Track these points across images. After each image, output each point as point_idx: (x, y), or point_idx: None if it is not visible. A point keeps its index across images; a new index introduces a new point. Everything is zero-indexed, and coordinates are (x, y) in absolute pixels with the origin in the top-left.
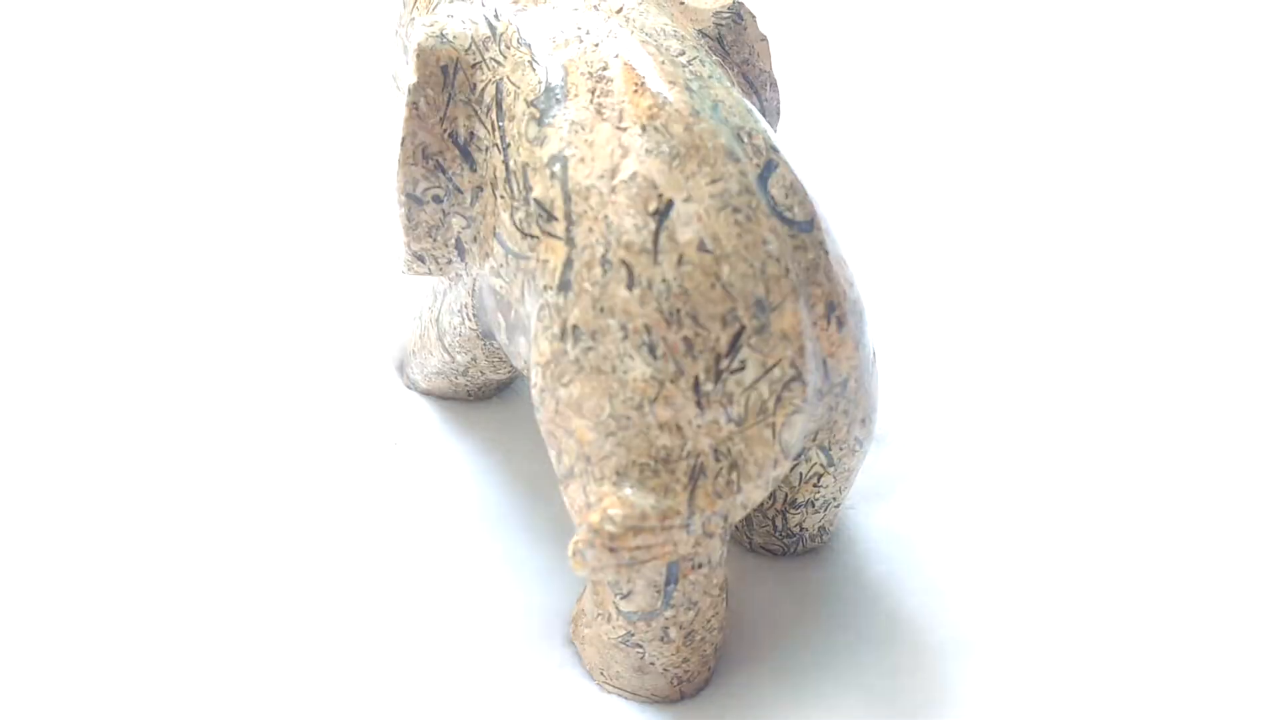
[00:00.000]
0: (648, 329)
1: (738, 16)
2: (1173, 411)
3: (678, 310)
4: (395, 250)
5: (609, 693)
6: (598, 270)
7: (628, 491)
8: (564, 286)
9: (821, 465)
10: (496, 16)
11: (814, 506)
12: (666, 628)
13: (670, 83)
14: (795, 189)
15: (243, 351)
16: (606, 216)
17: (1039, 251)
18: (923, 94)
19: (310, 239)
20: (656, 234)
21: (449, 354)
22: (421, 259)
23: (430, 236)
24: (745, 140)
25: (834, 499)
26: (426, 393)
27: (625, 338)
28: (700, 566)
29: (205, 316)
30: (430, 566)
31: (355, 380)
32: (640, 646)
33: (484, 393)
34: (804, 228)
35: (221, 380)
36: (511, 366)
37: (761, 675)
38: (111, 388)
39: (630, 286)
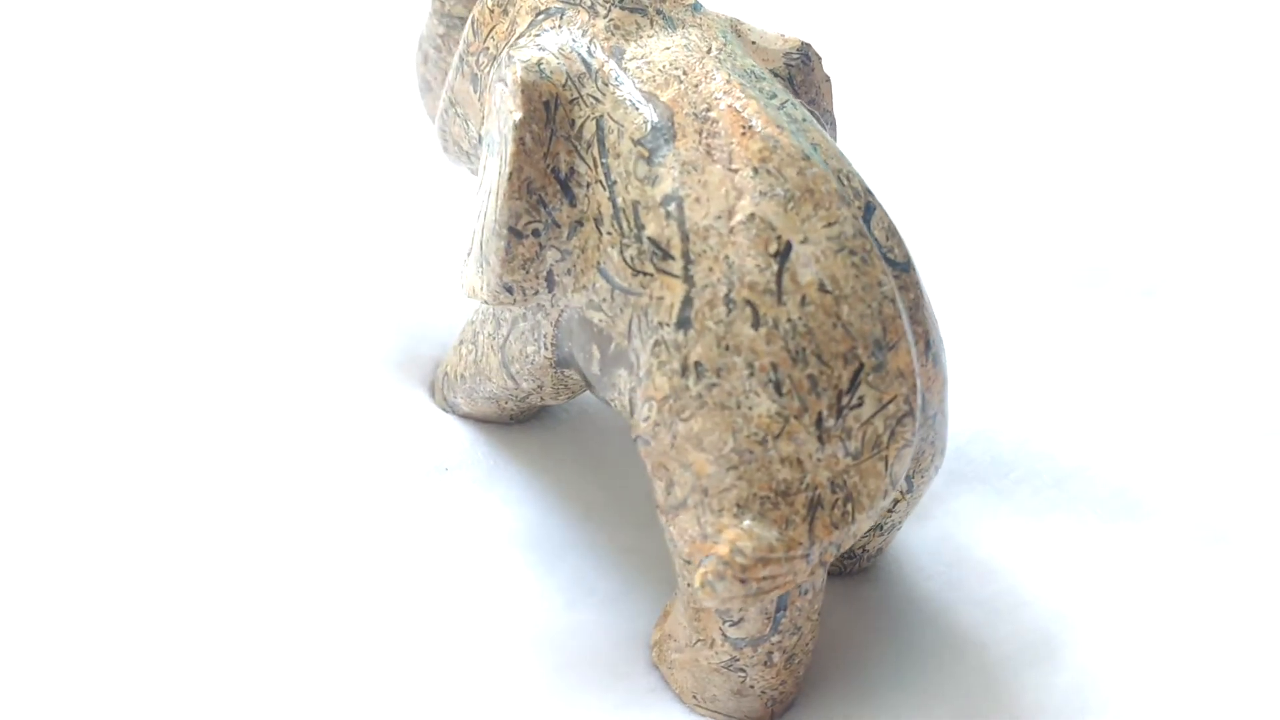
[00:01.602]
0: (774, 367)
1: (806, 58)
2: (1216, 416)
3: (803, 349)
4: (469, 278)
5: (702, 715)
6: (721, 309)
7: (747, 523)
8: (683, 324)
9: (901, 493)
10: (590, 53)
11: (882, 530)
12: (771, 652)
13: (775, 126)
14: (893, 231)
15: (281, 377)
16: (727, 257)
17: (1067, 253)
18: (928, 104)
19: (352, 260)
20: (779, 275)
21: (514, 380)
22: (510, 290)
23: (524, 269)
24: (845, 183)
25: (900, 523)
26: (466, 416)
27: (751, 375)
28: (806, 593)
29: (248, 339)
30: (496, 596)
31: (393, 403)
32: (743, 671)
33: (526, 416)
34: (904, 268)
35: (262, 407)
36: (571, 394)
37: (837, 690)
38: (138, 413)
39: (756, 325)
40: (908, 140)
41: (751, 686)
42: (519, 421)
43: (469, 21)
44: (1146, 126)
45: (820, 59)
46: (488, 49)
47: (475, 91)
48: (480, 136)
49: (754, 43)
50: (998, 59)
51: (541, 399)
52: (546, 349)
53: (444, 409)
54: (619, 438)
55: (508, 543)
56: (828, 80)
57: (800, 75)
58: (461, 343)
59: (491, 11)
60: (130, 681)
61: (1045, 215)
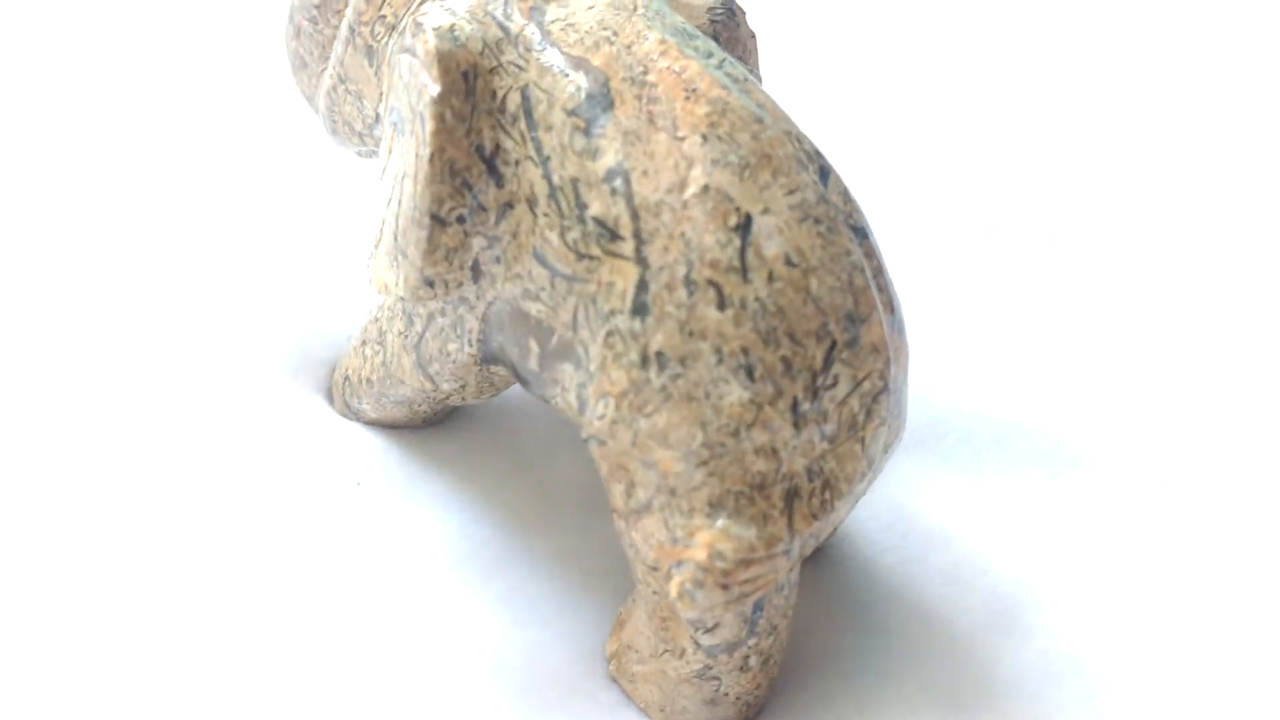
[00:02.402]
0: (745, 351)
1: (731, 13)
2: (1172, 411)
3: (774, 329)
4: (380, 273)
5: None
6: (682, 291)
7: (721, 523)
8: (640, 310)
9: None
10: (507, 15)
11: None
12: (747, 656)
13: (720, 87)
14: (849, 195)
15: (163, 387)
16: (684, 233)
17: (1044, 249)
18: (887, 85)
19: (232, 257)
20: (742, 250)
21: (432, 381)
22: (431, 284)
23: (448, 260)
24: (799, 145)
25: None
26: (373, 422)
27: (720, 361)
28: (783, 589)
29: (122, 347)
30: (435, 620)
31: (290, 412)
32: (717, 679)
33: (440, 418)
34: (865, 234)
35: (145, 420)
36: (495, 391)
37: (810, 682)
38: (50, 424)
39: (722, 307)
40: (808, 96)
41: (726, 694)
42: (431, 424)
43: None
44: (1041, 74)
45: (745, 13)
46: (384, 17)
47: (371, 66)
48: (378, 115)
49: None
50: (891, 14)
51: (462, 399)
52: (471, 345)
53: (346, 416)
54: (544, 434)
55: (438, 560)
56: (753, 37)
57: (726, 32)
58: (365, 343)
59: None
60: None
61: (946, 168)
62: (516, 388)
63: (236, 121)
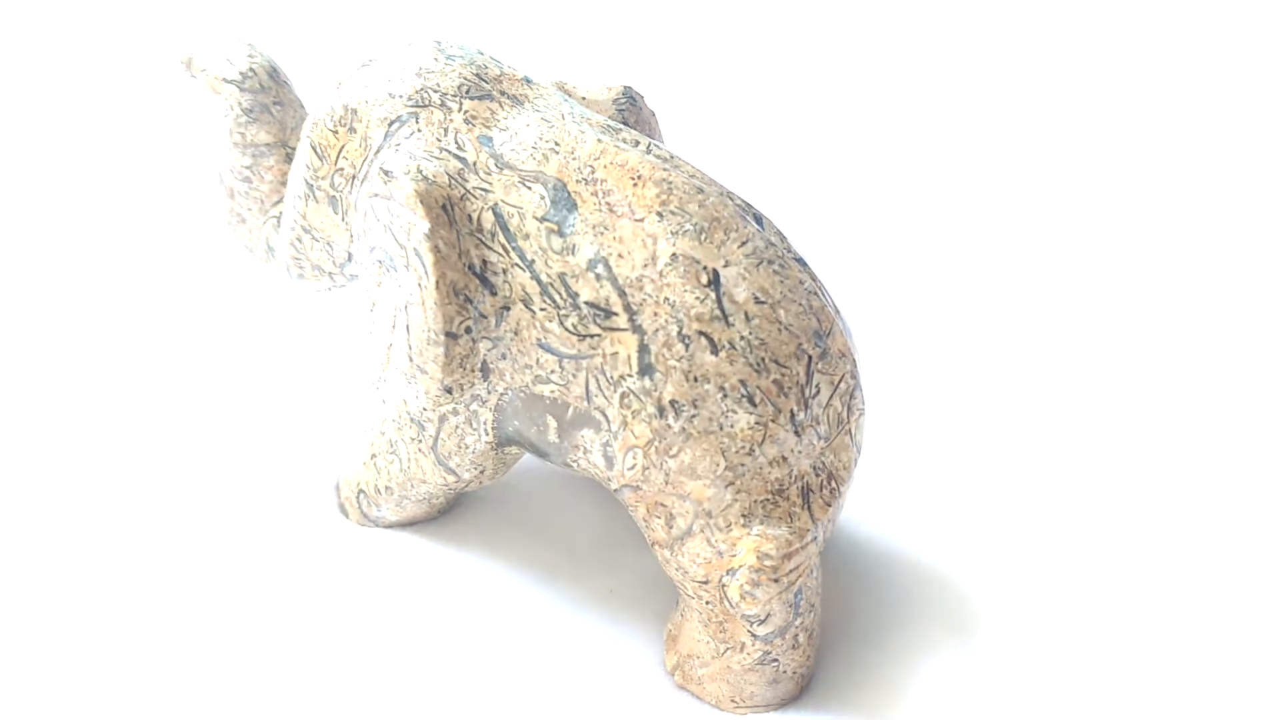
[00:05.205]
0: (743, 383)
1: (632, 100)
2: (1146, 408)
3: (762, 359)
4: (398, 393)
5: (743, 715)
6: (679, 346)
7: (757, 530)
8: (646, 370)
9: None
10: (461, 147)
11: None
12: (797, 635)
13: (659, 170)
14: (782, 233)
15: (204, 538)
16: (667, 298)
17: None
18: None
19: (227, 405)
20: (719, 301)
21: (454, 474)
22: (450, 391)
23: (461, 367)
24: (733, 201)
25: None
26: (393, 525)
27: (725, 396)
28: (812, 573)
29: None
30: (510, 675)
31: (323, 538)
32: (776, 660)
33: (451, 507)
34: (804, 262)
35: (196, 577)
36: (507, 469)
37: (839, 646)
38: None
39: (715, 351)
40: (706, 153)
41: (785, 671)
42: (445, 514)
43: (308, 148)
44: (924, 81)
45: (643, 97)
46: (342, 169)
47: (336, 214)
48: (350, 255)
49: (584, 98)
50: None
51: (480, 483)
52: (488, 434)
53: (365, 525)
54: (549, 498)
55: (496, 625)
56: (654, 115)
57: (632, 116)
58: (375, 456)
59: (335, 132)
60: None
61: (836, 201)
62: (518, 468)
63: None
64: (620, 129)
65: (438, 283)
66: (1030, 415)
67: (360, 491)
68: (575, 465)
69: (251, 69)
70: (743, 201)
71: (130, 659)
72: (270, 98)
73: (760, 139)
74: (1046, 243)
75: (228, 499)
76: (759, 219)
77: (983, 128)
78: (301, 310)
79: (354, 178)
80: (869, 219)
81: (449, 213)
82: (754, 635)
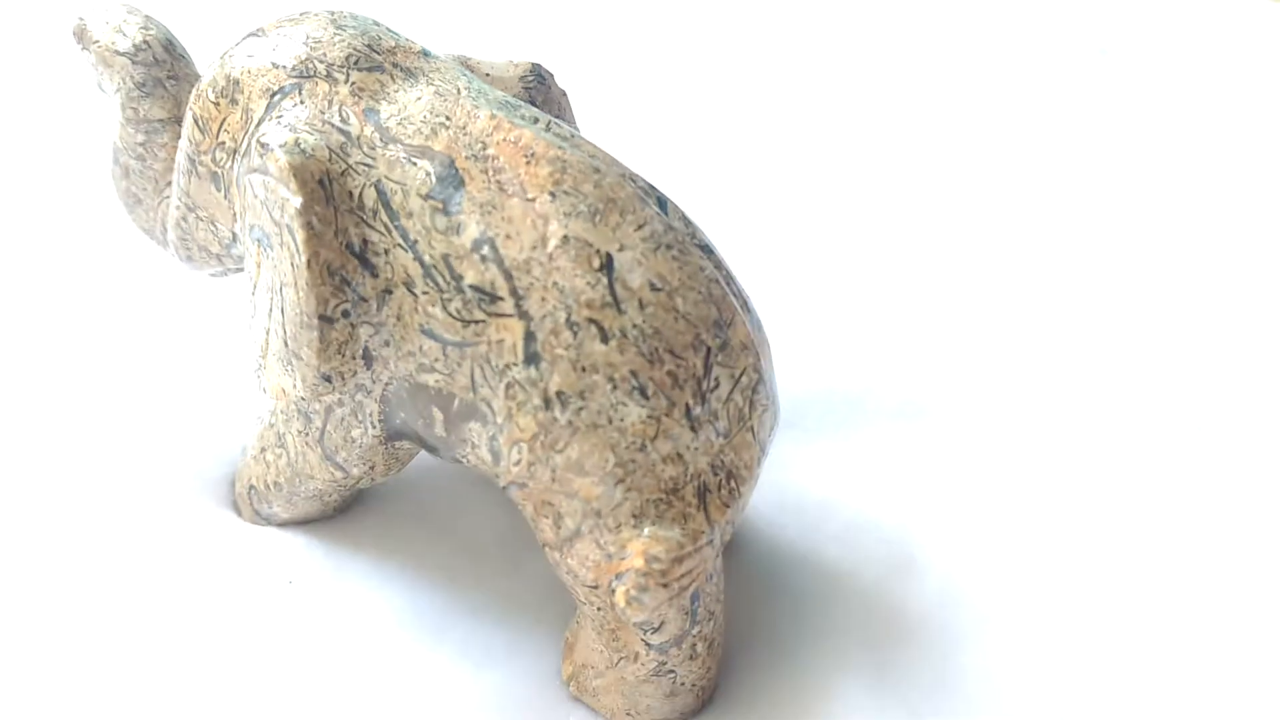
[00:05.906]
0: (634, 374)
1: (540, 78)
2: (1134, 409)
3: (655, 349)
4: (274, 380)
5: None
6: (567, 334)
7: (648, 530)
8: (532, 359)
9: None
10: (345, 120)
11: None
12: (694, 645)
13: (554, 148)
14: (687, 218)
15: (84, 520)
16: (555, 283)
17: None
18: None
19: (116, 390)
20: (611, 286)
21: (342, 469)
22: (329, 379)
23: (340, 354)
24: (635, 183)
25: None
26: (286, 523)
27: (615, 388)
28: (712, 578)
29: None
30: (401, 683)
31: (208, 531)
32: (673, 671)
33: (347, 505)
34: (710, 249)
35: (75, 555)
36: (401, 466)
37: (747, 661)
38: None
39: (605, 340)
40: (622, 137)
41: (682, 683)
42: (342, 512)
43: (191, 120)
44: (834, 76)
45: (553, 75)
46: (223, 143)
47: (219, 190)
48: (234, 235)
49: (488, 74)
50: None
51: (372, 480)
52: (375, 427)
53: (257, 523)
54: (451, 497)
55: (388, 630)
56: (564, 94)
57: (540, 95)
58: (264, 450)
59: (216, 104)
60: None
61: (755, 184)
62: (416, 463)
63: (76, 241)
64: (520, 105)
65: (309, 261)
66: (962, 412)
67: (251, 487)
68: (465, 461)
69: (145, 41)
70: (646, 184)
71: (4, 656)
72: (164, 71)
73: (694, 125)
74: (1004, 224)
75: (111, 494)
76: (662, 203)
77: (926, 104)
78: (205, 296)
79: (235, 151)
80: (808, 209)
81: (326, 188)
82: (648, 644)
